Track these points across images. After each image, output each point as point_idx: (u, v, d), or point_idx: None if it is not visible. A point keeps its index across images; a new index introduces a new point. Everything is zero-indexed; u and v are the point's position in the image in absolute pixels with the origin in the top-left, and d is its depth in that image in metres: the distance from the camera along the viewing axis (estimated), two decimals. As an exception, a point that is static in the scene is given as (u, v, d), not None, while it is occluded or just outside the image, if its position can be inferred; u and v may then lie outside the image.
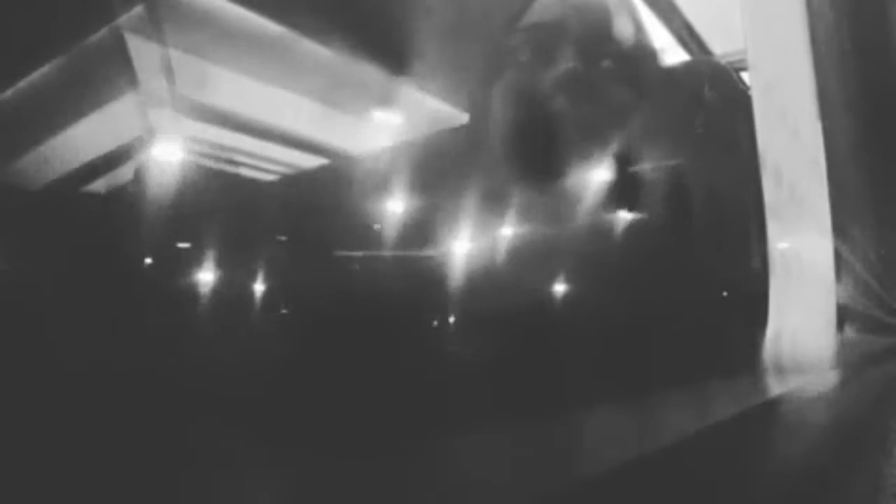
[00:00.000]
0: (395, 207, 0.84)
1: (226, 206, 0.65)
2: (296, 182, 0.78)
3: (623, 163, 1.06)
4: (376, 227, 0.83)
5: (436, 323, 0.83)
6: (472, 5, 1.03)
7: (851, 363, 2.52)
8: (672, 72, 1.24)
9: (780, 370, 1.50)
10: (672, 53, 1.30)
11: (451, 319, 0.83)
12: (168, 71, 0.62)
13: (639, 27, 1.12)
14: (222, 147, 0.68)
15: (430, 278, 0.85)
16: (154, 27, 0.60)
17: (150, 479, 0.46)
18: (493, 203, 0.95)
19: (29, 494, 0.42)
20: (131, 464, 0.46)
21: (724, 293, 1.27)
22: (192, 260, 0.60)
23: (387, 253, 0.82)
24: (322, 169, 0.82)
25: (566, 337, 0.92)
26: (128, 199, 0.59)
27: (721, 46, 1.53)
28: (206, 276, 0.61)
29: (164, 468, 0.48)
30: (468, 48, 1.02)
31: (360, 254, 0.80)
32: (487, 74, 1.06)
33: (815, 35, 2.35)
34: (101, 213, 0.59)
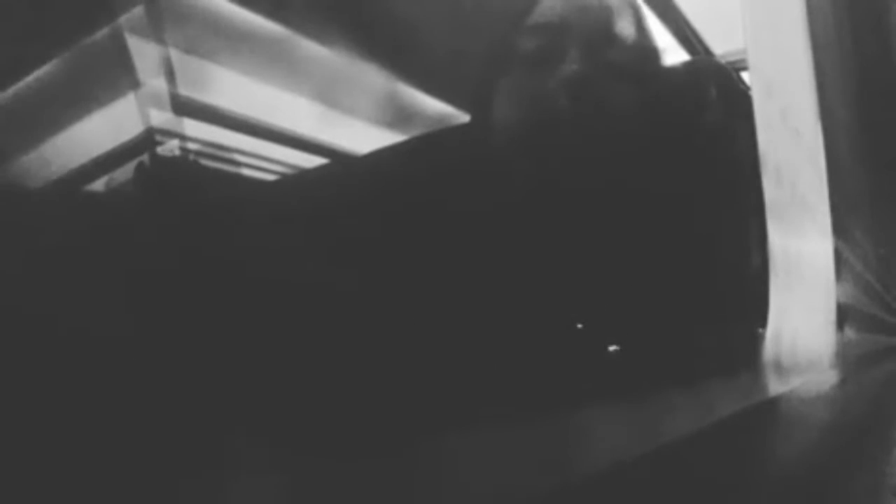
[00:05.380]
0: (396, 208, 0.84)
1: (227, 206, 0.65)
2: (298, 182, 0.78)
3: (623, 161, 1.06)
4: (376, 228, 0.83)
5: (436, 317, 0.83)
6: (475, 5, 1.03)
7: (851, 362, 2.52)
8: (672, 72, 1.24)
9: (780, 370, 1.50)
10: (672, 53, 1.30)
11: (453, 317, 0.83)
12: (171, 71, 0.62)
13: (642, 27, 1.12)
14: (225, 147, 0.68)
15: (434, 275, 0.85)
16: (158, 26, 0.60)
17: (146, 479, 0.47)
18: (496, 203, 0.95)
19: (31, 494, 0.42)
20: (124, 464, 0.47)
21: (724, 293, 1.27)
22: (186, 261, 0.60)
23: (384, 249, 0.82)
24: (324, 168, 0.82)
25: (562, 336, 0.93)
26: (132, 200, 0.59)
27: (721, 46, 1.53)
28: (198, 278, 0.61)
29: (158, 469, 0.48)
30: (471, 48, 1.02)
31: (359, 254, 0.80)
32: (490, 75, 1.06)
33: (815, 35, 2.35)
34: (104, 213, 0.59)
